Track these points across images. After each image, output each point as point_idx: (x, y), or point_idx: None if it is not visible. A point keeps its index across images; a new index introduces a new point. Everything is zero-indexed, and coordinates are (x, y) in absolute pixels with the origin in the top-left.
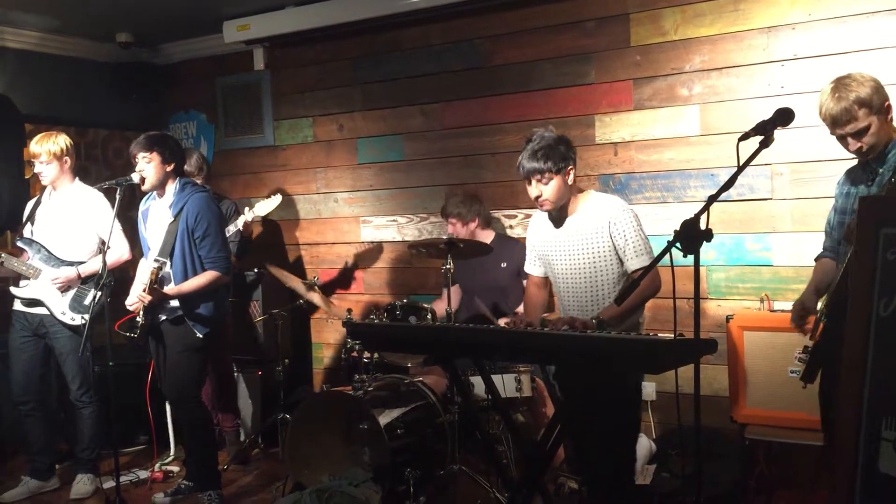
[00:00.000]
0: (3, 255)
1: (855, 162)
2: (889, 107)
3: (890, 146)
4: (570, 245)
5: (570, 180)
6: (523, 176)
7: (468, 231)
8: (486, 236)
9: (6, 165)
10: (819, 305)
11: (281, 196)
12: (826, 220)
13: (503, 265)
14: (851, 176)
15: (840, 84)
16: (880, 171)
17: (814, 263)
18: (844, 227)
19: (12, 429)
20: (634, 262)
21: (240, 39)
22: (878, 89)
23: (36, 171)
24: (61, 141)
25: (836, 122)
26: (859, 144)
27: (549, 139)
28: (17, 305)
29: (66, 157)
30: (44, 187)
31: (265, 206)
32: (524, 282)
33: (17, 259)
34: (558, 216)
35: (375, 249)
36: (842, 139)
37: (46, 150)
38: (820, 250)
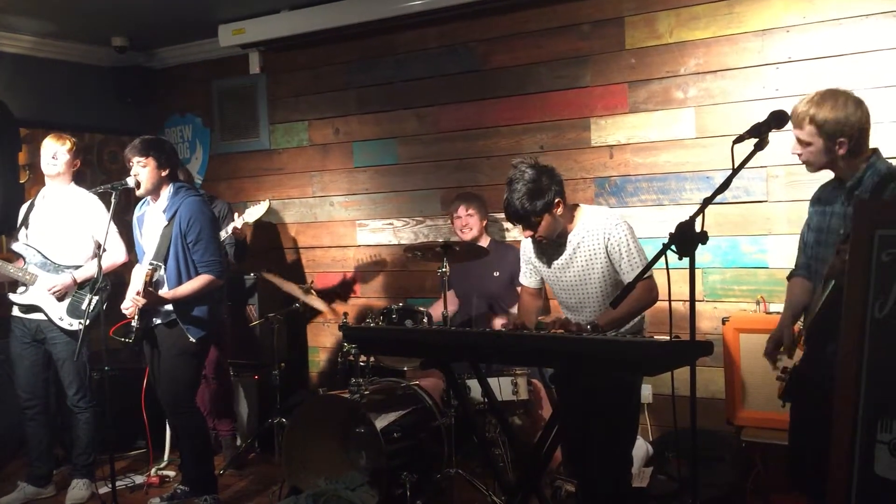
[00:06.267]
0: None
1: (832, 176)
2: (844, 142)
3: (866, 169)
4: (566, 260)
5: (560, 211)
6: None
7: (480, 228)
8: (483, 241)
9: (1, 169)
10: (798, 326)
11: (269, 202)
12: (799, 236)
13: (496, 274)
14: (825, 195)
15: (825, 94)
16: (856, 193)
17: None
18: (827, 247)
19: (10, 434)
20: (630, 276)
21: (235, 43)
22: (846, 121)
23: (49, 160)
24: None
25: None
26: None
27: (529, 178)
28: (16, 311)
29: (77, 158)
30: (37, 192)
31: (254, 212)
32: (518, 289)
33: (13, 265)
34: None
35: (371, 253)
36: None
37: (66, 142)
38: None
